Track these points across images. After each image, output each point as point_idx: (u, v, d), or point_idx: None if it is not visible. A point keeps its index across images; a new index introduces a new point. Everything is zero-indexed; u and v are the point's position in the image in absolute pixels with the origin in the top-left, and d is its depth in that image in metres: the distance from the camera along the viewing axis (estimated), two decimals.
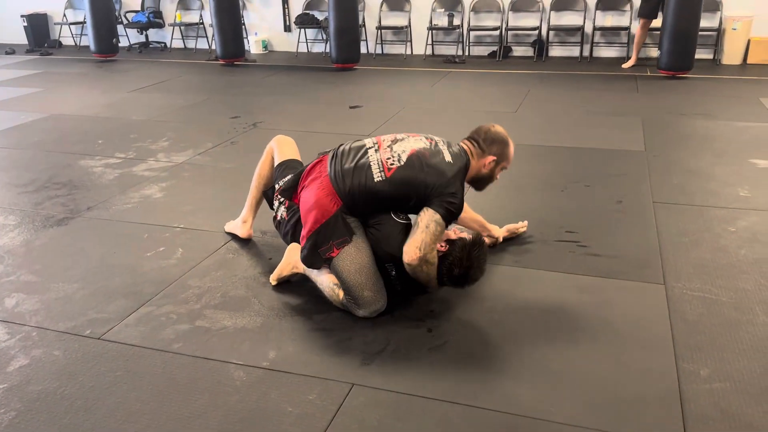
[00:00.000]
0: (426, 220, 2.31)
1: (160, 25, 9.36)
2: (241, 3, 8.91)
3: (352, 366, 2.13)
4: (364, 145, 2.50)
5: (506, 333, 2.30)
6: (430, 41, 8.38)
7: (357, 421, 1.87)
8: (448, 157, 2.41)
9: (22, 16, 9.64)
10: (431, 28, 8.23)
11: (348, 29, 7.23)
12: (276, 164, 2.83)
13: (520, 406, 1.92)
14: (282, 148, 2.88)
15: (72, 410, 1.93)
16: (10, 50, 9.37)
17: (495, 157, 2.54)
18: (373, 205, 2.42)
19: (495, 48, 8.15)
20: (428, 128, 4.84)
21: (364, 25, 8.52)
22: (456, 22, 8.17)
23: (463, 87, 6.54)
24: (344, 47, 7.30)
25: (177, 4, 9.27)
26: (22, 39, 9.80)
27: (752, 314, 2.36)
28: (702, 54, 7.29)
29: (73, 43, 9.79)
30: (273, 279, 2.64)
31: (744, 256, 2.80)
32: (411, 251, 2.30)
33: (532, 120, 5.14)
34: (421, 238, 2.29)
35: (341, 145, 2.56)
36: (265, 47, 9.01)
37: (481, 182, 2.62)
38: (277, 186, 2.71)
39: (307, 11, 8.66)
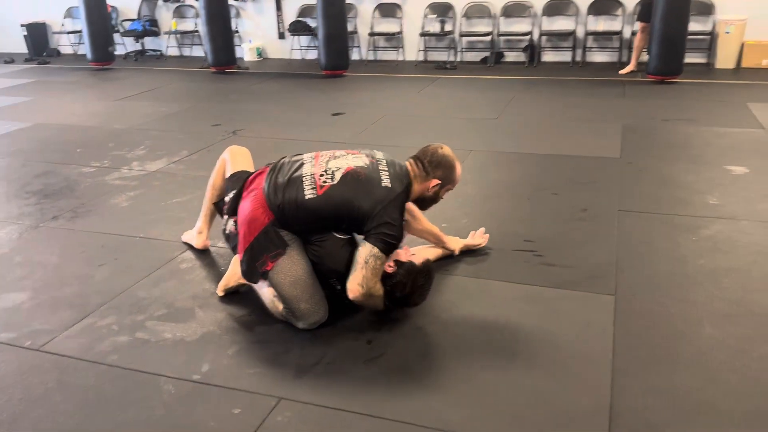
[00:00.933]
0: (365, 255, 2.25)
1: (156, 33, 9.42)
2: (234, 11, 8.96)
3: (283, 379, 2.11)
4: (301, 160, 2.46)
5: (446, 345, 2.27)
6: (422, 47, 8.36)
7: None
8: (386, 182, 2.32)
9: (21, 25, 9.74)
10: (423, 35, 8.21)
11: (336, 36, 7.23)
12: (227, 176, 2.81)
13: (445, 421, 1.89)
14: (235, 158, 2.85)
15: None
16: (9, 59, 9.47)
17: (439, 181, 2.45)
18: (305, 223, 2.35)
19: (487, 54, 8.11)
20: (406, 135, 4.87)
21: (356, 32, 8.53)
22: (448, 28, 8.15)
23: (450, 93, 6.51)
24: (333, 54, 7.30)
25: (172, 12, 9.33)
26: (22, 48, 9.90)
27: (699, 326, 2.31)
28: (695, 58, 7.22)
29: (72, 52, 9.88)
30: (219, 290, 2.63)
31: (701, 266, 2.74)
32: (354, 288, 2.26)
33: (512, 126, 5.10)
34: (362, 274, 2.25)
35: (283, 157, 2.54)
36: (260, 55, 9.04)
37: (424, 203, 2.55)
38: (226, 198, 2.68)
39: (300, 18, 8.68)
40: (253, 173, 2.58)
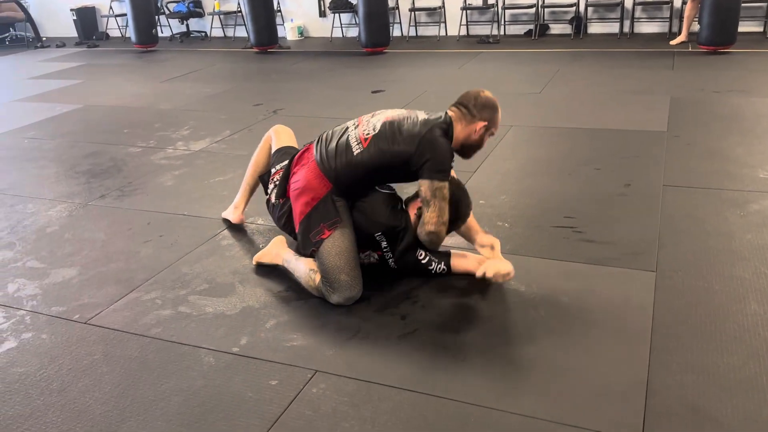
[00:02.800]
0: (430, 190, 2.32)
1: (200, 15, 9.54)
2: None
3: (319, 352, 2.14)
4: (346, 126, 2.55)
5: (480, 322, 2.27)
6: (464, 21, 8.23)
7: (312, 408, 1.89)
8: (422, 117, 2.43)
9: (71, 9, 10.01)
10: (465, 8, 8.09)
11: (377, 13, 7.19)
12: (273, 150, 2.87)
13: (477, 396, 1.89)
14: (279, 136, 2.93)
15: (47, 392, 2.02)
16: (61, 44, 9.76)
17: (485, 123, 2.48)
18: (360, 181, 2.44)
19: (531, 26, 7.94)
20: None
21: (397, 8, 8.45)
22: (491, 1, 8.00)
23: (491, 68, 6.41)
24: (374, 31, 7.27)
25: None
26: (72, 32, 10.18)
27: (743, 303, 2.25)
28: (750, 26, 6.91)
29: (120, 35, 10.11)
30: (255, 260, 2.71)
31: (748, 242, 2.65)
32: (432, 220, 2.33)
33: (555, 100, 4.99)
34: (435, 207, 2.32)
35: (325, 131, 2.58)
36: (301, 34, 9.06)
37: (470, 149, 2.54)
38: (273, 170, 2.75)
39: None
40: (299, 150, 2.65)
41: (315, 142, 2.56)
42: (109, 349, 2.23)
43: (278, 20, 9.09)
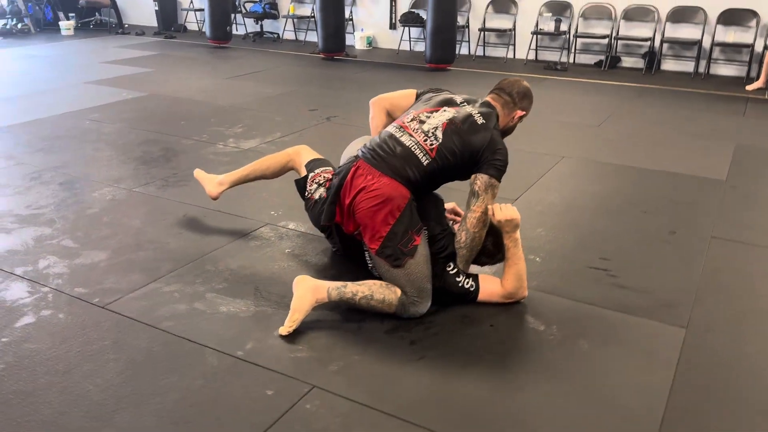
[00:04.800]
0: (485, 184, 2.40)
1: (275, 17, 9.73)
2: None
3: (321, 368, 2.11)
4: (391, 134, 2.49)
5: (490, 358, 2.19)
6: (534, 46, 8.11)
7: (303, 424, 1.85)
8: (479, 119, 2.47)
9: (153, 0, 10.39)
10: (536, 33, 7.96)
11: (444, 28, 7.16)
12: (307, 161, 2.86)
13: None
14: (306, 154, 2.93)
15: (52, 372, 2.06)
16: (140, 32, 10.13)
17: (524, 112, 2.61)
18: (430, 186, 2.51)
19: (602, 57, 7.74)
20: None
21: (467, 26, 8.40)
22: (563, 27, 7.85)
23: (554, 95, 6.27)
24: (439, 47, 7.24)
25: None
26: (153, 22, 10.56)
27: None
28: None
29: (197, 29, 10.42)
30: (291, 324, 2.28)
31: None
32: (479, 209, 2.39)
33: (613, 135, 4.83)
34: (484, 200, 2.40)
35: (365, 145, 2.54)
36: (370, 44, 9.12)
37: (503, 135, 2.60)
38: (312, 173, 2.76)
39: (413, 9, 8.66)
40: (344, 174, 2.49)
41: (366, 158, 2.44)
42: (120, 336, 2.26)
43: (348, 29, 9.20)
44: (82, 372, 2.06)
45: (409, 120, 2.52)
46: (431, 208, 2.55)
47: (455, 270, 2.48)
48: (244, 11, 9.87)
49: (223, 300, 2.50)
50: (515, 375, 2.10)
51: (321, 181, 2.71)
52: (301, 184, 2.82)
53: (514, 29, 8.14)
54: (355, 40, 9.10)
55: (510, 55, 8.25)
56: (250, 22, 9.99)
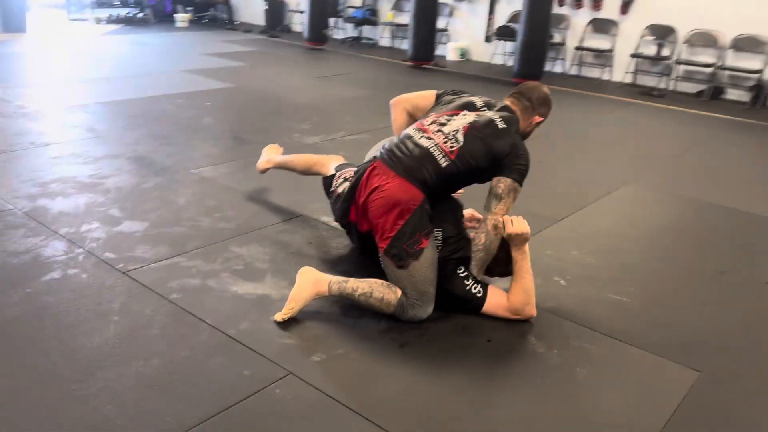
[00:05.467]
0: (508, 187, 2.36)
1: (374, 23, 9.91)
2: (448, 9, 9.11)
3: (304, 357, 2.12)
4: (410, 136, 2.48)
5: (478, 373, 2.11)
6: (632, 69, 7.77)
7: (266, 407, 1.87)
8: (501, 124, 2.43)
9: (264, 0, 10.87)
10: (636, 56, 7.62)
11: (534, 44, 7.02)
12: (337, 165, 2.93)
13: None
14: (337, 161, 3.02)
15: (57, 325, 2.20)
16: (248, 29, 10.63)
17: (542, 118, 2.57)
18: (446, 188, 2.48)
19: (704, 87, 7.29)
20: (561, 155, 4.60)
21: (563, 44, 8.18)
22: (665, 52, 7.47)
23: (640, 121, 5.98)
24: (527, 62, 7.10)
25: (393, 4, 9.74)
26: (262, 21, 11.04)
27: None
28: None
29: (300, 30, 10.79)
30: (288, 309, 2.30)
31: None
32: (500, 212, 2.36)
33: (692, 168, 4.54)
34: (507, 204, 2.36)
35: (383, 146, 2.54)
36: (463, 55, 9.08)
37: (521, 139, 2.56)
38: (340, 171, 2.80)
39: (509, 24, 8.55)
40: (359, 176, 2.50)
41: (384, 159, 2.44)
42: (129, 301, 2.37)
43: (444, 39, 9.21)
44: (84, 329, 2.18)
45: (429, 123, 2.50)
46: (449, 213, 2.52)
47: (465, 273, 2.42)
48: (345, 16, 10.12)
49: (235, 281, 2.57)
50: (498, 392, 2.02)
51: (347, 176, 2.73)
52: (327, 182, 2.87)
53: (613, 50, 7.84)
54: (448, 51, 9.09)
55: (606, 77, 7.95)
56: (350, 27, 10.23)
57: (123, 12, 10.66)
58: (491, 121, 2.43)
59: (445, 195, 2.51)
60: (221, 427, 1.78)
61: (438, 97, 2.69)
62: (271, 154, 3.46)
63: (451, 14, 9.19)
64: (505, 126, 2.42)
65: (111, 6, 10.61)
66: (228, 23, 11.01)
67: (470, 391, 2.01)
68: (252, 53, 8.41)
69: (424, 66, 8.18)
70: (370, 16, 9.83)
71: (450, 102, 2.59)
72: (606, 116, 6.12)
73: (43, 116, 4.71)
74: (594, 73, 8.10)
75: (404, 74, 7.71)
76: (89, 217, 3.06)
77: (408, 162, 2.38)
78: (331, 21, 10.28)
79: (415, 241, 2.33)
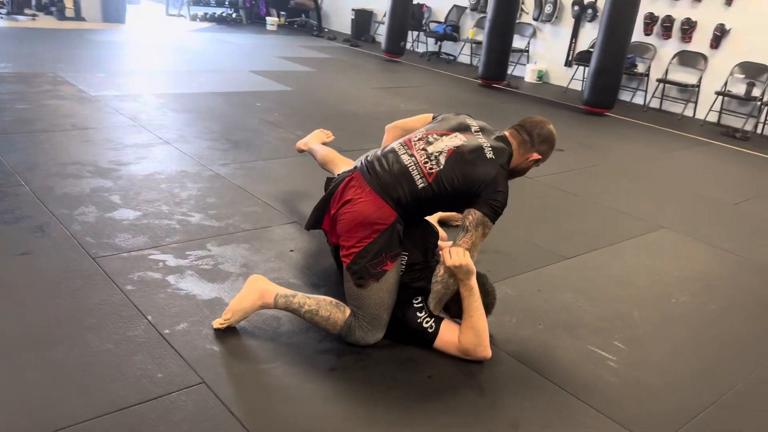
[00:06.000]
0: (477, 220, 2.19)
1: (454, 39, 9.79)
2: (531, 30, 8.85)
3: (223, 367, 2.04)
4: (394, 150, 2.35)
5: (397, 410, 1.95)
6: (717, 107, 7.21)
7: (163, 413, 1.80)
8: (489, 153, 2.27)
9: (352, 9, 11.01)
10: (722, 94, 7.07)
11: (608, 71, 6.66)
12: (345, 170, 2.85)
13: None
14: (346, 163, 2.99)
15: (12, 296, 2.24)
16: (332, 37, 10.79)
17: (540, 156, 2.39)
18: (421, 210, 2.33)
19: None
20: (607, 191, 4.31)
21: (647, 75, 7.72)
22: (755, 92, 6.88)
23: (710, 162, 5.52)
24: (598, 90, 6.75)
25: (476, 21, 9.59)
26: (349, 29, 11.18)
27: None
28: None
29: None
30: (230, 310, 2.23)
31: None
32: (463, 245, 2.20)
33: (743, 217, 4.12)
34: (472, 238, 2.20)
35: (366, 156, 2.43)
36: (540, 78, 8.79)
37: (514, 174, 2.41)
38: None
39: (591, 49, 8.17)
40: (345, 176, 2.40)
41: (363, 170, 2.34)
42: (84, 287, 2.38)
43: (523, 60, 8.96)
44: (31, 306, 2.21)
45: (417, 138, 2.36)
46: (420, 238, 2.38)
47: (421, 305, 2.26)
48: (427, 30, 10.07)
49: (196, 280, 2.53)
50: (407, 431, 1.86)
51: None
52: (327, 184, 2.76)
53: (699, 86, 7.31)
54: (526, 72, 8.83)
55: (688, 113, 7.43)
56: (431, 41, 10.16)
57: (218, 11, 11.11)
58: (479, 148, 2.27)
59: (419, 217, 2.37)
60: (105, 427, 1.73)
61: (434, 118, 2.56)
62: (313, 138, 3.44)
63: (534, 35, 8.92)
64: (492, 156, 2.26)
65: (207, 5, 11.07)
66: (316, 30, 11.23)
67: (382, 426, 1.86)
68: (325, 60, 8.51)
69: (494, 85, 7.97)
70: (451, 32, 9.72)
71: (443, 121, 2.45)
72: (676, 154, 5.69)
73: (96, 101, 4.93)
74: (676, 108, 7.59)
75: (471, 92, 7.54)
76: (88, 200, 3.13)
77: (385, 178, 2.25)
78: (413, 35, 10.26)
79: (380, 261, 2.20)
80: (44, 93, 4.98)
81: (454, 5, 9.85)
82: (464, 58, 9.78)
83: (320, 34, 10.95)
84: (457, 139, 2.31)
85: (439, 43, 9.98)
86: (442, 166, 2.24)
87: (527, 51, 8.95)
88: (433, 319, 2.25)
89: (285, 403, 1.92)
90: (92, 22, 9.11)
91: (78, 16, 9.11)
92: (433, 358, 2.22)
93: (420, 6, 10.23)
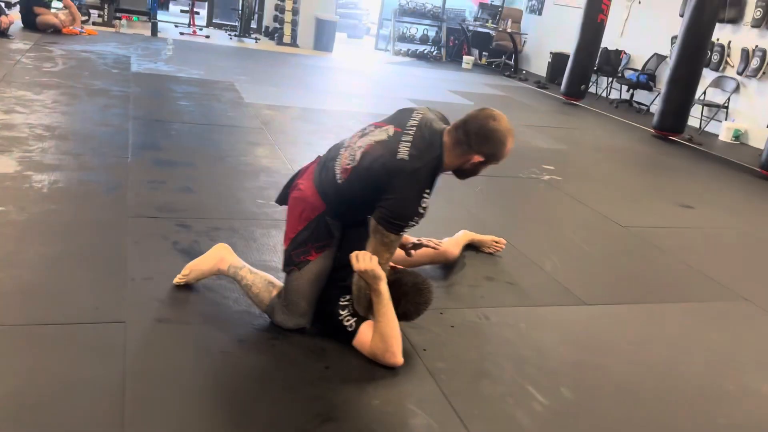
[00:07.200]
0: (372, 227, 2.11)
1: (649, 88, 9.13)
2: (733, 84, 7.94)
3: (147, 315, 2.26)
4: (342, 142, 2.35)
5: (252, 390, 1.99)
6: None
7: (73, 338, 2.08)
8: (402, 154, 2.06)
9: (550, 53, 10.86)
10: None
11: None
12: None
13: None
14: None
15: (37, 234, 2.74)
16: (524, 78, 10.75)
17: (482, 158, 2.10)
18: (346, 207, 2.25)
19: None
20: (687, 239, 3.79)
21: None
22: None
23: None
24: None
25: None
26: (545, 72, 11.04)
27: None
28: None
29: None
30: (190, 267, 2.46)
31: None
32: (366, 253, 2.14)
33: None
34: (372, 245, 2.12)
35: (335, 144, 2.43)
36: (737, 137, 7.80)
37: (463, 174, 2.21)
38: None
39: None
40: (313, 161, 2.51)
41: (320, 158, 2.40)
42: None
43: (720, 116, 8.05)
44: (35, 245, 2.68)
45: (358, 131, 2.31)
46: (357, 240, 2.28)
47: (346, 303, 2.27)
48: (620, 77, 9.54)
49: (194, 242, 2.80)
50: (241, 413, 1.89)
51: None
52: None
53: None
54: (721, 130, 7.91)
55: None
56: (624, 89, 9.59)
57: (420, 48, 11.74)
58: (394, 145, 2.09)
59: (353, 215, 2.29)
60: (25, 337, 2.04)
61: None
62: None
63: (736, 90, 7.98)
64: (403, 157, 2.05)
65: (412, 41, 11.77)
66: (512, 71, 11.27)
67: (240, 402, 1.92)
68: (496, 96, 8.52)
69: (671, 138, 7.28)
70: (645, 81, 9.09)
71: (403, 111, 2.30)
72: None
73: (245, 107, 5.59)
74: None
75: (639, 141, 6.99)
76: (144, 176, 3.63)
77: (324, 171, 2.29)
78: (607, 80, 9.80)
79: (305, 251, 2.26)
80: (208, 95, 5.80)
81: (655, 53, 9.21)
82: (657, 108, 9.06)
83: (513, 75, 10.96)
84: (384, 134, 2.17)
85: (631, 91, 9.39)
86: (356, 163, 2.15)
87: (726, 107, 8.01)
88: (355, 318, 2.24)
89: (174, 358, 2.07)
90: (304, 49, 10.24)
91: (293, 43, 10.31)
92: (348, 354, 2.20)
93: (618, 52, 9.75)
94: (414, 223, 2.07)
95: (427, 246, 2.67)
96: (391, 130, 2.19)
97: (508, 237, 3.37)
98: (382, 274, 2.12)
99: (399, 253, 2.63)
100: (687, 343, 2.67)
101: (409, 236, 2.62)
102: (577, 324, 2.68)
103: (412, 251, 2.62)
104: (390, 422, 1.92)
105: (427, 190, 2.07)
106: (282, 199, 2.51)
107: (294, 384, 2.02)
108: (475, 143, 2.07)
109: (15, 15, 7.67)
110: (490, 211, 3.93)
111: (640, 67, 9.43)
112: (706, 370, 2.47)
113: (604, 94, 9.93)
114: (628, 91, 9.46)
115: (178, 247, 2.78)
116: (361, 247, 2.28)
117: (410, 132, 2.14)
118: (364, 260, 2.10)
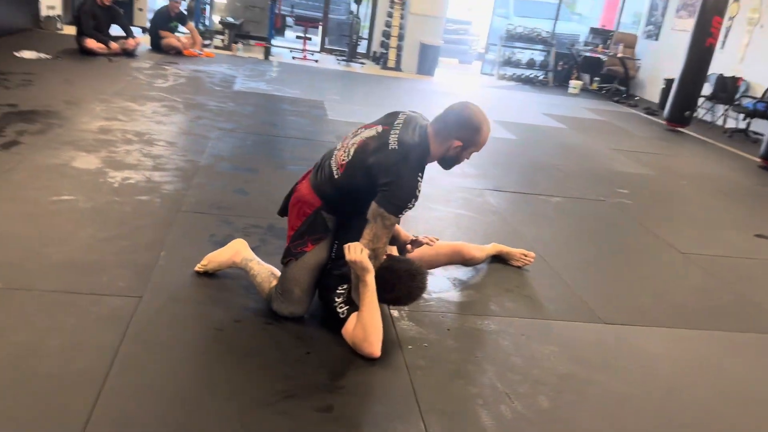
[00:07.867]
0: (372, 213, 2.27)
1: (767, 117, 8.46)
2: None
3: (165, 295, 2.51)
4: (336, 146, 2.54)
5: (238, 370, 2.15)
6: None
7: (82, 310, 2.36)
8: (393, 144, 2.29)
9: (664, 79, 10.36)
10: None
11: None
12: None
13: None
14: None
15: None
16: (634, 104, 10.33)
17: (461, 143, 2.34)
18: (342, 201, 2.44)
19: None
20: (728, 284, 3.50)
21: None
22: None
23: None
24: None
25: None
26: (657, 98, 10.56)
27: None
28: None
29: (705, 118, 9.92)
30: (208, 259, 2.69)
31: None
32: (364, 238, 2.30)
33: None
34: (372, 232, 2.28)
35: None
36: None
37: (446, 162, 2.43)
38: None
39: None
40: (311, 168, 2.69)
41: (317, 162, 2.57)
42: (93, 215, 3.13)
43: None
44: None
45: (351, 132, 2.50)
46: (355, 233, 2.43)
47: (343, 291, 2.39)
48: (737, 105, 8.91)
49: (226, 232, 3.05)
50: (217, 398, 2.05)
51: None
52: None
53: None
54: None
55: None
56: (741, 117, 8.94)
57: (526, 72, 11.64)
58: (385, 138, 2.31)
59: (350, 209, 2.45)
60: (51, 301, 2.36)
61: None
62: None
63: None
64: (395, 147, 2.27)
65: (517, 66, 11.70)
66: (622, 96, 10.87)
67: (219, 376, 2.10)
68: (594, 120, 8.28)
69: None
70: (764, 109, 8.44)
71: (390, 114, 2.50)
72: None
73: (328, 122, 5.89)
74: None
75: (742, 171, 6.51)
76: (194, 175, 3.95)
77: (320, 171, 2.48)
78: (723, 108, 9.20)
79: (301, 243, 2.43)
80: (295, 111, 6.17)
81: None
82: None
83: (622, 100, 10.57)
84: (374, 131, 2.38)
85: (748, 120, 8.75)
86: (350, 158, 2.35)
87: None
88: (347, 306, 2.35)
89: (171, 330, 2.29)
90: (407, 73, 10.52)
91: (397, 67, 10.63)
92: (333, 344, 2.32)
93: (735, 79, 9.13)
94: (411, 206, 2.26)
95: (423, 242, 2.72)
96: (380, 128, 2.40)
97: (544, 253, 3.35)
98: (371, 267, 2.25)
99: (420, 253, 2.75)
100: (699, 371, 2.51)
101: (407, 233, 2.73)
102: (583, 340, 2.61)
103: (409, 247, 2.69)
104: (349, 405, 2.01)
105: (420, 173, 2.28)
106: (282, 211, 2.68)
107: (271, 363, 2.17)
108: (454, 129, 2.32)
109: (142, 38, 8.58)
110: (535, 225, 3.89)
111: (759, 95, 8.78)
112: (710, 400, 2.32)
113: (719, 123, 9.33)
114: (744, 119, 8.83)
115: (214, 239, 3.04)
116: (359, 238, 2.43)
117: (398, 128, 2.37)
118: (355, 251, 2.23)
